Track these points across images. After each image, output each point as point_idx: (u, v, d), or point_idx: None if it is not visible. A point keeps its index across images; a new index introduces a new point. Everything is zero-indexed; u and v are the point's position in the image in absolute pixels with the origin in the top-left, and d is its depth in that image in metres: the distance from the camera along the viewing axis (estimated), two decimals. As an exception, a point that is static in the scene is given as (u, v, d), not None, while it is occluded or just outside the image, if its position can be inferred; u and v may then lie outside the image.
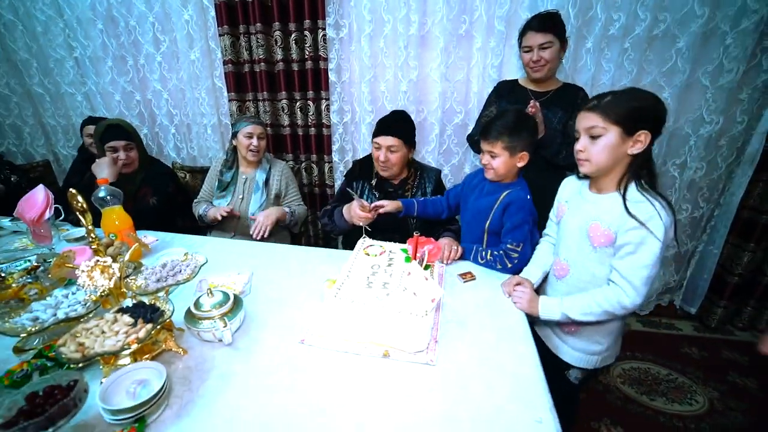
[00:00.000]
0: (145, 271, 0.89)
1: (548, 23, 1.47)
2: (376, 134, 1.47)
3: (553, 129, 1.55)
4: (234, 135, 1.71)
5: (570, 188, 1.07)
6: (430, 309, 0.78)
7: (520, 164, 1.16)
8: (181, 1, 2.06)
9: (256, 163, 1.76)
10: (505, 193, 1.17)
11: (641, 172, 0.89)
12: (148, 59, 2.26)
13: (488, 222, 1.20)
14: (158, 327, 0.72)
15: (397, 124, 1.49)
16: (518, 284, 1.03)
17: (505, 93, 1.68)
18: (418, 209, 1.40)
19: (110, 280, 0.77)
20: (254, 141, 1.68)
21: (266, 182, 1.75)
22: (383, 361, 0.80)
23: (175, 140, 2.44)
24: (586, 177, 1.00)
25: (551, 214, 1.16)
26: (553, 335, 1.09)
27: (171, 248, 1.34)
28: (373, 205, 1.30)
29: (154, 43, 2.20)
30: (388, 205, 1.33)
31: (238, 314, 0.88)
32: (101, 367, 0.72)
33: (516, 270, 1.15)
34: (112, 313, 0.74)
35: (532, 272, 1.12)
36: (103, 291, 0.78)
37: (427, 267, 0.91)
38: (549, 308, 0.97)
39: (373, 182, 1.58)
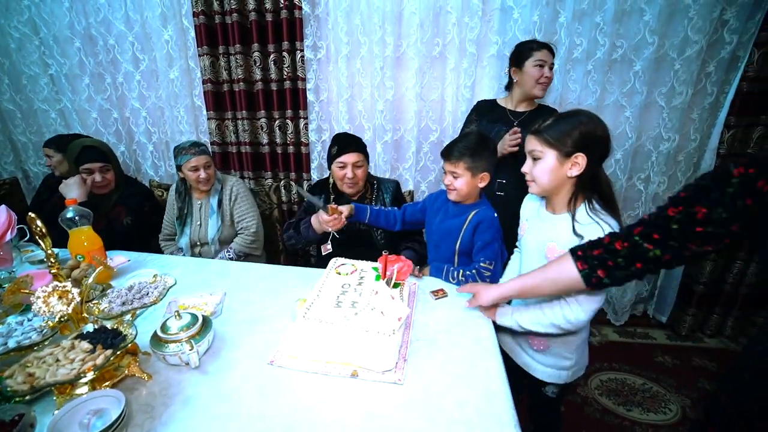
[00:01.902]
0: (110, 294, 0.87)
1: (550, 48, 1.56)
2: (338, 154, 1.49)
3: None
4: (177, 168, 1.64)
5: (530, 207, 1.09)
6: (397, 328, 0.79)
7: (482, 185, 1.19)
8: (162, 21, 2.09)
9: (208, 189, 1.71)
10: (473, 213, 1.19)
11: (591, 194, 0.90)
12: (127, 77, 2.26)
13: (458, 243, 1.22)
14: (120, 352, 0.71)
15: (357, 140, 1.54)
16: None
17: (485, 112, 1.74)
18: (371, 217, 1.39)
19: (69, 306, 0.76)
20: (201, 173, 1.61)
21: (219, 204, 1.71)
22: (352, 381, 0.80)
23: (153, 158, 2.43)
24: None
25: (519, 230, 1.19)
26: (522, 353, 1.10)
27: (143, 269, 1.31)
28: (336, 207, 1.29)
29: (133, 62, 2.21)
30: (345, 210, 1.31)
31: (207, 336, 0.87)
32: (55, 398, 0.70)
33: None
34: (70, 340, 0.72)
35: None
36: (62, 317, 0.76)
37: (396, 285, 0.93)
38: (504, 314, 1.01)
39: (332, 199, 1.59)
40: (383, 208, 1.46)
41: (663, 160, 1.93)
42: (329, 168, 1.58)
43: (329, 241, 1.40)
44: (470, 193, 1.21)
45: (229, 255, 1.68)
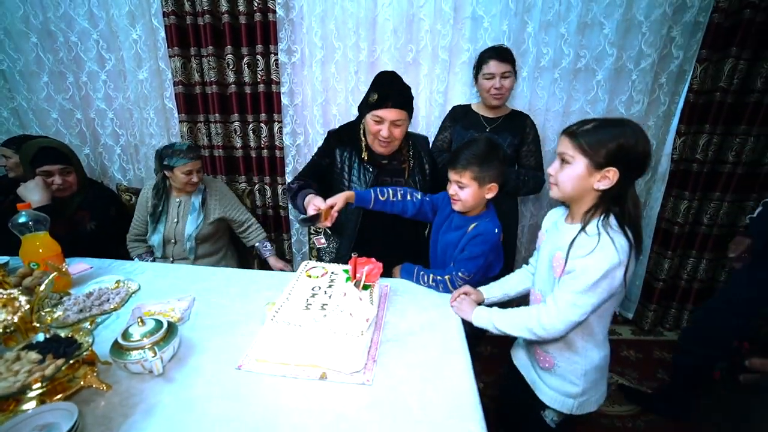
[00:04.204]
0: (67, 302, 0.84)
1: (508, 55, 1.62)
2: (376, 106, 1.21)
3: (509, 167, 1.67)
4: (167, 167, 1.59)
5: (551, 218, 1.03)
6: (365, 329, 0.80)
7: (489, 196, 1.09)
8: (129, 20, 2.02)
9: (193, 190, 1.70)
10: (473, 225, 1.11)
11: (613, 208, 0.83)
12: (92, 77, 2.17)
13: (457, 254, 1.15)
14: (74, 362, 0.68)
15: (402, 94, 1.24)
16: (465, 293, 1.07)
17: (460, 117, 1.79)
18: (375, 203, 1.21)
19: (15, 315, 0.72)
20: (194, 177, 1.61)
21: (203, 203, 1.69)
22: (320, 383, 0.80)
23: (121, 161, 2.34)
24: (566, 205, 0.95)
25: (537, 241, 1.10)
26: (531, 369, 1.05)
27: (108, 275, 1.26)
28: (326, 205, 1.13)
29: (98, 61, 2.13)
30: (339, 201, 1.14)
31: (172, 342, 0.85)
32: (-3, 415, 0.65)
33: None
34: (15, 351, 0.68)
35: (492, 289, 1.12)
36: (6, 327, 0.71)
37: (367, 287, 0.94)
38: (480, 315, 0.99)
39: (364, 155, 1.34)
40: (398, 196, 1.22)
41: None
42: (360, 112, 1.32)
43: (321, 234, 1.31)
44: (476, 205, 1.13)
45: (269, 249, 1.83)
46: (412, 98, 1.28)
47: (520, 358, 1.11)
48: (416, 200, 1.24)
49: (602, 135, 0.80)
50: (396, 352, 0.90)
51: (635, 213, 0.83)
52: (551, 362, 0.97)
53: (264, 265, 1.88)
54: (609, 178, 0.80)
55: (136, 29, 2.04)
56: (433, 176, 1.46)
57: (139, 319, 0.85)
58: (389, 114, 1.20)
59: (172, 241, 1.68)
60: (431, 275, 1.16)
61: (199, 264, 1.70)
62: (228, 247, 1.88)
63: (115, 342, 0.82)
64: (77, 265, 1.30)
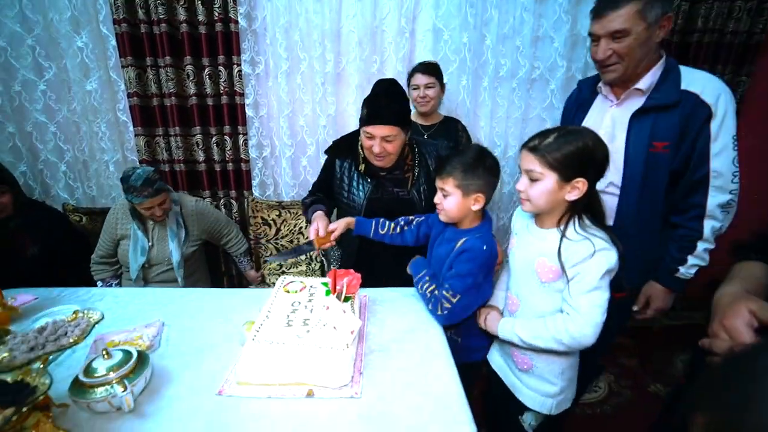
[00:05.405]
0: (12, 341, 0.74)
1: (432, 69, 1.79)
2: (366, 122, 1.20)
3: None
4: (129, 201, 1.51)
5: (520, 221, 1.04)
6: (350, 341, 0.80)
7: (475, 207, 1.03)
8: (72, 26, 1.87)
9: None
10: (462, 240, 1.04)
11: (582, 211, 0.89)
12: (27, 87, 1.97)
13: (446, 271, 1.10)
14: (25, 410, 0.60)
15: (392, 108, 1.19)
16: (488, 314, 1.07)
17: None
18: (375, 234, 1.21)
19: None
20: (156, 211, 1.51)
21: (183, 226, 1.62)
22: (308, 401, 0.78)
23: (67, 179, 2.14)
24: None
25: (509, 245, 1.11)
26: (509, 372, 1.06)
27: (58, 306, 1.15)
28: (324, 231, 1.16)
29: (35, 70, 1.94)
30: (339, 228, 1.17)
31: (143, 373, 0.80)
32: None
33: (444, 320, 1.04)
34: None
35: (499, 296, 1.13)
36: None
37: (347, 299, 0.93)
38: (505, 327, 0.99)
39: (361, 168, 1.32)
40: (397, 229, 1.23)
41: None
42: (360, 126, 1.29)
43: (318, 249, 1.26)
44: (461, 216, 1.06)
45: (249, 262, 1.90)
46: (406, 111, 1.25)
47: (495, 362, 1.12)
48: (413, 227, 1.23)
49: (566, 148, 0.83)
50: (381, 361, 0.90)
51: (600, 209, 0.90)
52: (529, 363, 0.98)
53: (235, 283, 1.82)
54: (579, 188, 0.85)
55: (82, 36, 1.90)
56: None
57: (104, 352, 0.78)
58: (378, 131, 1.18)
59: (146, 265, 1.59)
60: (433, 286, 1.08)
61: (173, 286, 1.62)
62: (202, 266, 1.80)
63: (76, 380, 0.75)
64: (19, 297, 1.17)
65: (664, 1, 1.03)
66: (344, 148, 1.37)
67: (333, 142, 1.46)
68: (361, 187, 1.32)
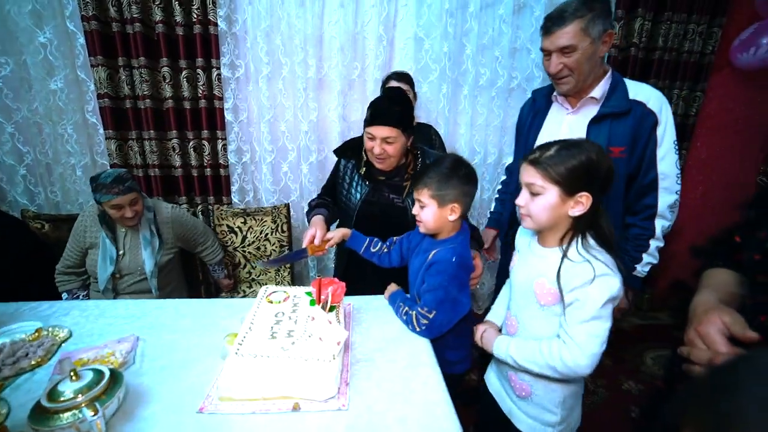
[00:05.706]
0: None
1: (404, 77, 1.77)
2: (368, 123, 1.23)
3: None
4: (97, 201, 1.43)
5: (523, 240, 0.98)
6: (337, 352, 0.79)
7: (452, 217, 1.02)
8: (33, 20, 1.78)
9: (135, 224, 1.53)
10: (432, 252, 1.03)
11: (588, 229, 0.83)
12: (-24, 83, 1.85)
13: (416, 286, 1.09)
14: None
15: (393, 110, 1.22)
16: (484, 331, 1.03)
17: None
18: (365, 252, 1.22)
19: None
20: (127, 212, 1.42)
21: (154, 233, 1.54)
22: (294, 415, 0.76)
23: (27, 183, 2.02)
24: None
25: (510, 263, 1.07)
26: (506, 397, 1.01)
27: (17, 323, 1.04)
28: (319, 239, 1.17)
29: (-14, 64, 1.82)
30: (335, 238, 1.19)
31: (117, 393, 0.75)
32: None
33: (425, 335, 1.03)
34: None
35: (498, 313, 1.09)
36: None
37: (332, 309, 0.92)
38: (500, 346, 0.95)
39: (362, 171, 1.35)
40: (388, 248, 1.24)
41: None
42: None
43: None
44: (439, 227, 1.05)
45: (222, 270, 1.88)
46: (409, 116, 1.26)
47: (492, 385, 1.07)
48: (396, 245, 1.24)
49: (569, 161, 0.79)
50: (367, 371, 0.90)
51: (610, 231, 0.83)
52: (527, 390, 0.93)
53: (212, 292, 1.76)
54: (583, 203, 0.80)
55: (44, 32, 1.80)
56: None
57: (72, 372, 0.73)
58: (379, 131, 1.20)
59: (116, 275, 1.51)
60: (406, 308, 1.08)
61: (147, 297, 1.54)
62: (178, 275, 1.73)
63: (37, 405, 0.69)
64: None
65: (605, 18, 1.12)
66: (350, 149, 1.42)
67: (343, 142, 1.48)
68: (359, 188, 1.36)
